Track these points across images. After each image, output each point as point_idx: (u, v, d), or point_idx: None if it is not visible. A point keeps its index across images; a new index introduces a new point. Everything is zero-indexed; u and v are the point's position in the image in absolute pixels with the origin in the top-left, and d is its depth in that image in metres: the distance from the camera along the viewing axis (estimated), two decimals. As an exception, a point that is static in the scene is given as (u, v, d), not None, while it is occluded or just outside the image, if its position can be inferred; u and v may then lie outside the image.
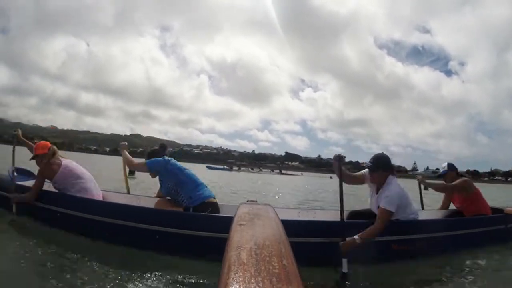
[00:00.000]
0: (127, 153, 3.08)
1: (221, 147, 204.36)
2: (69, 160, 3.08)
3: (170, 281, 1.94)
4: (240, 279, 0.68)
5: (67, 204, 2.72)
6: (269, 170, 45.88)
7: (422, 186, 3.60)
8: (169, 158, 2.87)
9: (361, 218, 2.73)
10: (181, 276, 2.01)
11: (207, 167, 35.57)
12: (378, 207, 2.46)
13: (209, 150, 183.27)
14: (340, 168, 2.50)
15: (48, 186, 2.97)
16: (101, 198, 3.01)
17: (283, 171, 40.61)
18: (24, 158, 3.29)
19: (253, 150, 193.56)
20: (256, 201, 2.26)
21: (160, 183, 2.87)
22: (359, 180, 2.72)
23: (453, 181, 3.26)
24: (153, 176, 2.90)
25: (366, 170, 2.69)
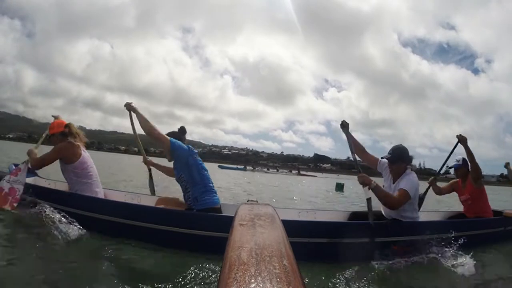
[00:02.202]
0: (140, 113, 2.61)
1: (247, 147, 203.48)
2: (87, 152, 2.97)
3: (170, 280, 1.94)
4: (240, 279, 0.68)
5: (72, 203, 2.72)
6: (287, 170, 44.71)
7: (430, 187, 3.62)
8: (195, 151, 2.68)
9: (362, 219, 2.74)
10: (181, 275, 2.01)
11: (219, 166, 34.95)
12: (398, 189, 2.48)
13: (237, 151, 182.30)
14: (348, 134, 2.67)
15: (46, 183, 2.97)
16: (103, 196, 3.01)
17: (301, 172, 39.32)
18: (23, 155, 3.29)
19: (282, 152, 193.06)
20: (257, 201, 2.26)
21: (174, 166, 2.72)
22: (371, 161, 2.77)
23: (464, 176, 3.35)
24: (170, 160, 2.66)
25: (382, 159, 2.72)
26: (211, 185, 2.69)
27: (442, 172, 3.67)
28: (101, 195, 2.97)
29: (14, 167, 3.36)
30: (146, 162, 3.36)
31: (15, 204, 2.51)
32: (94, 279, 1.89)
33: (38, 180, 3.56)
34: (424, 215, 3.29)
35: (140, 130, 2.81)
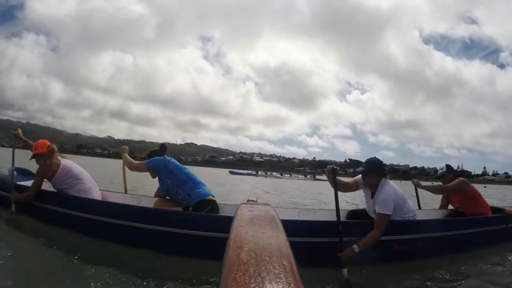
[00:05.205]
0: (127, 156, 3.16)
1: (274, 154, 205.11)
2: (69, 161, 3.07)
3: (170, 281, 1.94)
4: (240, 279, 0.68)
5: (67, 204, 2.72)
6: (301, 175, 43.88)
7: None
8: (169, 158, 2.91)
9: (359, 218, 2.74)
10: (181, 276, 2.00)
11: (229, 172, 34.56)
12: (375, 211, 2.46)
13: (268, 158, 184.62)
14: (334, 179, 2.50)
15: (47, 185, 2.97)
16: (100, 198, 3.01)
17: (317, 177, 37.17)
18: (24, 158, 3.30)
19: (314, 157, 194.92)
20: (256, 201, 2.25)
21: (160, 182, 2.90)
22: (354, 187, 2.73)
23: (451, 182, 3.28)
24: (153, 176, 2.93)
25: (359, 176, 2.70)
26: (197, 180, 2.83)
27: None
28: (97, 196, 2.98)
29: (13, 171, 3.36)
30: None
31: None
32: (93, 281, 1.89)
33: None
34: (423, 213, 3.29)
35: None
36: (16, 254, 2.21)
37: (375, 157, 2.71)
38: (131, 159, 3.10)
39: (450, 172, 3.38)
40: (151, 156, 2.95)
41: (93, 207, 2.66)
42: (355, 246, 2.20)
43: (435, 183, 3.46)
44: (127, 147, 3.32)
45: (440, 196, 3.63)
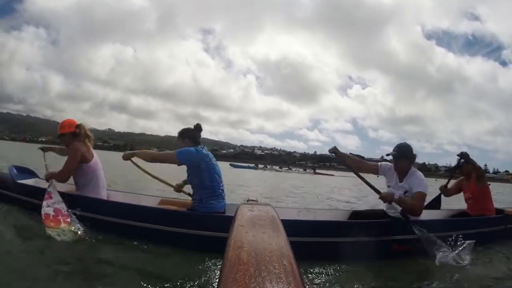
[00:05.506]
0: (138, 152, 2.65)
1: (274, 147, 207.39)
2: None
3: (170, 280, 1.94)
4: (240, 279, 0.68)
5: (74, 204, 2.70)
6: (301, 169, 44.07)
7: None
8: (205, 152, 2.57)
9: (362, 218, 2.74)
10: (182, 276, 2.01)
11: (230, 165, 34.89)
12: (405, 192, 2.55)
13: (269, 152, 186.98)
14: (341, 159, 2.64)
15: (47, 185, 2.95)
16: (106, 197, 3.01)
17: (317, 171, 37.37)
18: (22, 157, 3.30)
19: (315, 151, 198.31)
20: (257, 201, 2.25)
21: (187, 174, 2.66)
22: (373, 170, 2.80)
23: (469, 172, 3.40)
24: (179, 165, 2.55)
25: (382, 162, 2.79)
26: (220, 190, 2.62)
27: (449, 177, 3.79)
28: (104, 196, 2.97)
29: (14, 169, 3.37)
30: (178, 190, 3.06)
31: (68, 220, 2.47)
32: (97, 280, 1.89)
33: (39, 181, 3.56)
34: (426, 214, 3.29)
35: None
36: (21, 254, 2.21)
37: (405, 142, 2.76)
38: (147, 151, 2.64)
39: (468, 162, 3.42)
40: (184, 136, 2.62)
41: (99, 207, 2.66)
42: (396, 193, 2.43)
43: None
44: (128, 151, 2.83)
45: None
